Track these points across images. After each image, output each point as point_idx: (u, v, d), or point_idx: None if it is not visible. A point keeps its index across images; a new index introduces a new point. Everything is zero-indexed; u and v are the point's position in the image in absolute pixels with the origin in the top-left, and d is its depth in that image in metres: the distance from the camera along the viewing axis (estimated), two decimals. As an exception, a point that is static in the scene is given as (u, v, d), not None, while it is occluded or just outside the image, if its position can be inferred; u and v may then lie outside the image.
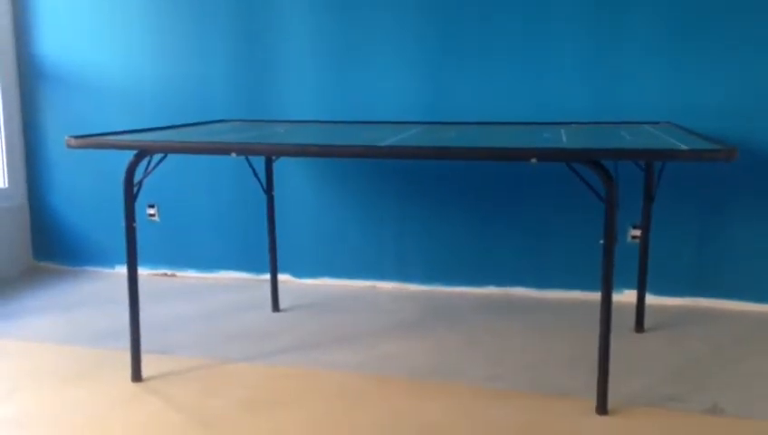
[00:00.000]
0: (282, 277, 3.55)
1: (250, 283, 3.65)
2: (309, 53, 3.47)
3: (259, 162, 3.13)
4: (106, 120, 3.66)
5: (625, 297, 3.21)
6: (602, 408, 2.19)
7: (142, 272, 3.76)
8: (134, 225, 2.37)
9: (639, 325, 2.94)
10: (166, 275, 3.82)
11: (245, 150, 2.16)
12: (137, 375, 2.46)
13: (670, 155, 1.95)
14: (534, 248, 3.39)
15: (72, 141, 2.31)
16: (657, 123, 2.95)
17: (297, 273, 3.66)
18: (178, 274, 3.81)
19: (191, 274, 3.80)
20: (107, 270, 3.87)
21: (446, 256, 3.49)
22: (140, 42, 3.64)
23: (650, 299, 3.16)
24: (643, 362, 2.62)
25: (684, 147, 1.94)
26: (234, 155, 2.14)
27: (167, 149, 2.31)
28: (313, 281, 3.65)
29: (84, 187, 3.83)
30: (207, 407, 2.27)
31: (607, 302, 2.12)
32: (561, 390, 2.38)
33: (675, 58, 3.10)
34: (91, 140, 2.33)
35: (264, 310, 3.22)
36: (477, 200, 3.42)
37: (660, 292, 3.26)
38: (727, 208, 3.17)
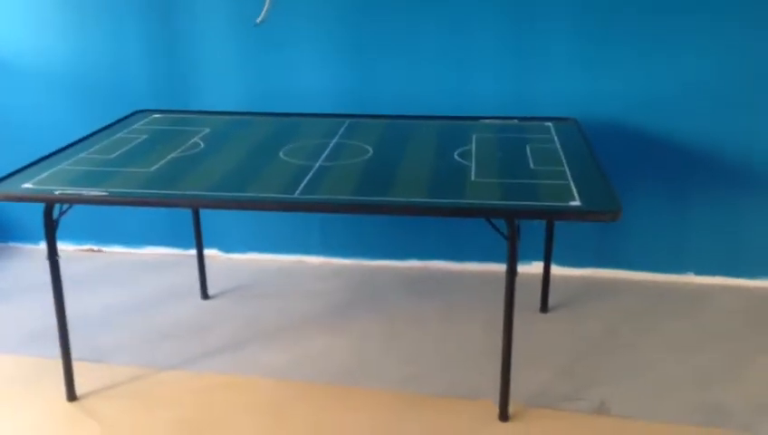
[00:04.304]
0: (209, 252, 3.63)
1: (178, 258, 3.72)
2: (232, 38, 3.38)
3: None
4: (16, 104, 3.56)
5: (534, 269, 3.44)
6: (504, 414, 2.45)
7: (68, 247, 3.81)
8: (57, 259, 2.40)
9: (544, 305, 3.19)
10: (92, 250, 3.84)
11: (162, 203, 2.21)
12: (71, 394, 2.56)
13: (558, 215, 2.20)
14: (451, 222, 3.54)
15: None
16: (564, 119, 3.07)
17: (224, 247, 3.75)
18: (105, 249, 3.84)
19: (117, 249, 3.83)
20: (30, 246, 3.86)
21: (370, 230, 3.62)
22: (52, 20, 3.47)
23: (556, 270, 3.40)
24: (545, 350, 2.88)
25: (574, 203, 2.10)
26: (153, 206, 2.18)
27: (75, 201, 2.28)
28: (241, 256, 3.75)
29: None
30: (142, 431, 2.42)
31: (508, 328, 2.33)
32: (472, 390, 2.61)
33: (588, 52, 3.19)
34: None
35: (193, 297, 3.32)
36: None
37: (565, 263, 3.51)
38: (628, 181, 3.34)
